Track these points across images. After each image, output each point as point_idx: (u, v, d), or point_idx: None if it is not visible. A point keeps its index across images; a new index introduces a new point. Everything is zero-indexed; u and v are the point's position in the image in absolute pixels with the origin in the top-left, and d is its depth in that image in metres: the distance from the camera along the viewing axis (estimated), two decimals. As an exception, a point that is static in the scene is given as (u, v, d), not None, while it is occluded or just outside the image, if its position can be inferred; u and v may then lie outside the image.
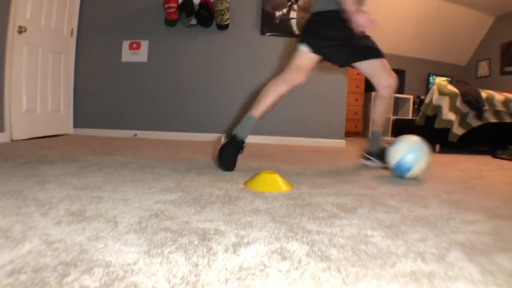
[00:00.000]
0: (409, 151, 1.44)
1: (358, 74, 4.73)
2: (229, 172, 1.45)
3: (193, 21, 3.04)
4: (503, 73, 5.19)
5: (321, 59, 1.65)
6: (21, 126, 2.42)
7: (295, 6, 3.16)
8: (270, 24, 3.11)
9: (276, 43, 3.15)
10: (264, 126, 3.03)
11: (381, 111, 1.85)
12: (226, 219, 0.80)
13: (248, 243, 0.66)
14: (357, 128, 4.76)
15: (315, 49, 1.59)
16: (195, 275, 0.52)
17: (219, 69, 3.17)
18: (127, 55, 3.16)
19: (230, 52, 3.15)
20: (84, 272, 0.50)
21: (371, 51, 1.66)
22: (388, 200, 1.08)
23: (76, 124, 3.17)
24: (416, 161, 1.43)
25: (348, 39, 1.56)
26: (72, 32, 3.03)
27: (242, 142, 1.51)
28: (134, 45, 3.15)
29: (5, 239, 0.61)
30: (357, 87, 4.73)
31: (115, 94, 3.18)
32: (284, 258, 0.59)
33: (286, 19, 3.15)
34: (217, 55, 3.16)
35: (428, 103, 2.96)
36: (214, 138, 3.14)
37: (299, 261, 0.58)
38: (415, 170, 1.45)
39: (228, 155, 1.48)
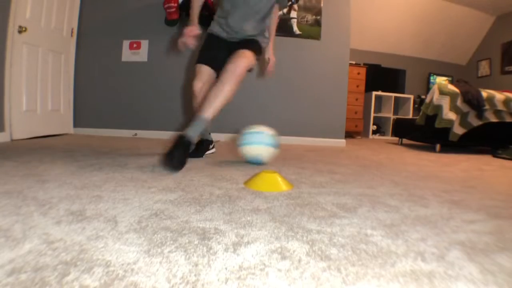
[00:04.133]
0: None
1: (358, 73, 4.73)
2: (229, 172, 1.45)
3: (193, 21, 3.03)
4: (504, 72, 5.18)
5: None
6: (21, 126, 2.42)
7: (295, 6, 3.16)
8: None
9: (276, 43, 3.13)
10: (264, 126, 3.03)
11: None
12: (226, 219, 0.80)
13: (248, 243, 0.66)
14: (358, 127, 4.76)
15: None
16: (195, 275, 0.51)
17: (219, 68, 3.17)
18: (127, 55, 3.16)
19: (230, 52, 3.15)
20: (84, 272, 0.50)
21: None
22: (388, 199, 1.08)
23: (76, 124, 3.17)
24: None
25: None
26: (72, 32, 3.03)
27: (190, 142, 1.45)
28: (135, 45, 3.15)
29: (5, 238, 0.61)
30: (357, 86, 4.72)
31: (115, 94, 3.18)
32: (284, 257, 0.59)
33: (286, 18, 3.15)
34: (217, 55, 3.16)
35: (429, 102, 2.95)
36: (213, 137, 3.14)
37: (299, 261, 0.58)
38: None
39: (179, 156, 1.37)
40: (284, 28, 3.14)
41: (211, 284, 0.49)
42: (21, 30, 2.34)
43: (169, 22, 3.03)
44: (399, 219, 0.86)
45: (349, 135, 4.66)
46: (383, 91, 5.06)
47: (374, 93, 4.98)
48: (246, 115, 3.16)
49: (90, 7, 3.12)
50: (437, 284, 0.52)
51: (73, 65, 3.09)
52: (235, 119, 3.17)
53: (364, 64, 4.90)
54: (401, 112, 5.40)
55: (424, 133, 3.11)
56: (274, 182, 1.16)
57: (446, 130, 2.85)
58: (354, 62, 4.68)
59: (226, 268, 0.54)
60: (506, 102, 2.86)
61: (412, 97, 5.22)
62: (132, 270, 0.52)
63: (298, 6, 3.15)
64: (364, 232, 0.75)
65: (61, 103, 2.96)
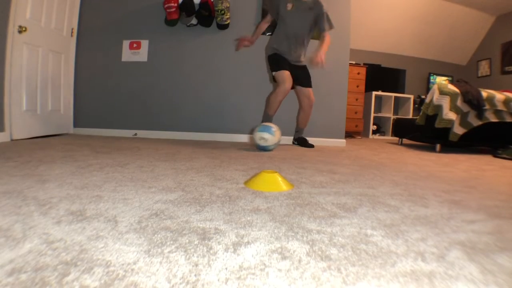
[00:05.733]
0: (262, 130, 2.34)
1: (358, 73, 4.73)
2: (229, 172, 1.45)
3: (194, 21, 3.04)
4: (504, 72, 5.18)
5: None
6: (21, 126, 2.42)
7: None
8: (270, 23, 3.11)
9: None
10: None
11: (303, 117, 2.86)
12: (226, 219, 0.80)
13: (248, 243, 0.65)
14: (358, 127, 4.76)
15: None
16: (195, 275, 0.51)
17: (220, 68, 3.17)
18: (127, 55, 3.16)
19: (230, 52, 3.15)
20: (84, 272, 0.50)
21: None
22: (389, 199, 1.08)
23: (76, 124, 3.17)
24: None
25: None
26: (72, 32, 3.03)
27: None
28: (135, 45, 3.15)
29: (5, 238, 0.61)
30: (357, 86, 4.73)
31: (115, 94, 3.18)
32: (284, 257, 0.59)
33: (286, 18, 3.15)
34: (217, 55, 3.16)
35: (429, 102, 2.95)
36: (213, 137, 3.14)
37: (299, 261, 0.58)
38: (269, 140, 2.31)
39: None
40: (284, 28, 3.13)
41: (211, 284, 0.49)
42: (21, 30, 2.34)
43: (169, 22, 3.03)
44: (399, 219, 0.86)
45: (349, 135, 4.66)
46: (383, 91, 5.06)
47: (374, 93, 4.98)
48: (246, 115, 3.16)
49: (90, 7, 3.12)
50: (437, 284, 0.52)
51: (73, 65, 3.09)
52: (235, 119, 3.18)
53: (364, 64, 4.90)
54: (401, 112, 5.40)
55: (424, 133, 3.11)
56: (274, 182, 1.16)
57: (446, 130, 2.85)
58: (354, 62, 4.68)
59: (226, 268, 0.54)
60: (506, 102, 2.86)
61: (412, 97, 5.22)
62: (132, 270, 0.52)
63: (298, 6, 3.15)
64: (364, 232, 0.75)
65: (61, 103, 2.96)
